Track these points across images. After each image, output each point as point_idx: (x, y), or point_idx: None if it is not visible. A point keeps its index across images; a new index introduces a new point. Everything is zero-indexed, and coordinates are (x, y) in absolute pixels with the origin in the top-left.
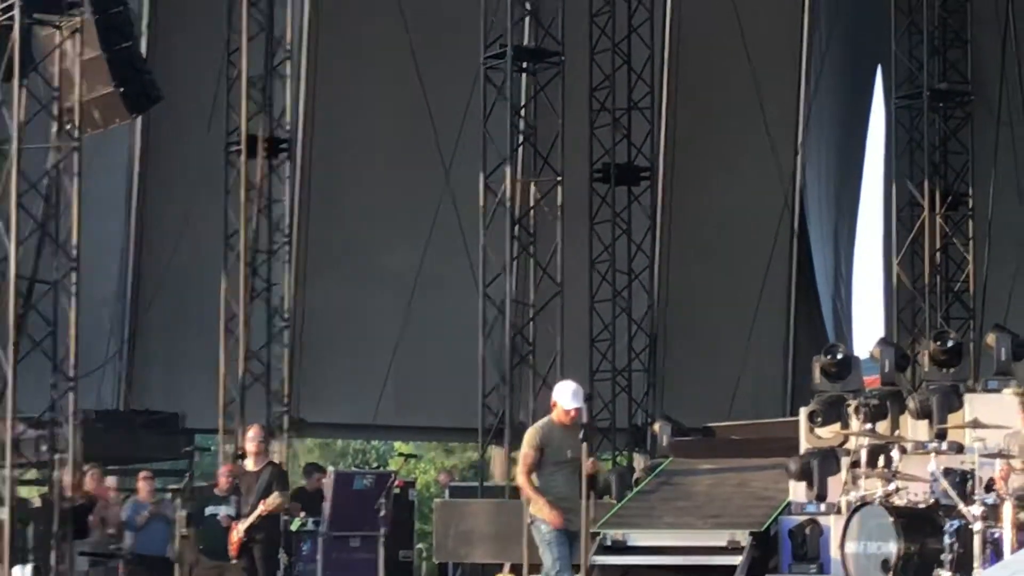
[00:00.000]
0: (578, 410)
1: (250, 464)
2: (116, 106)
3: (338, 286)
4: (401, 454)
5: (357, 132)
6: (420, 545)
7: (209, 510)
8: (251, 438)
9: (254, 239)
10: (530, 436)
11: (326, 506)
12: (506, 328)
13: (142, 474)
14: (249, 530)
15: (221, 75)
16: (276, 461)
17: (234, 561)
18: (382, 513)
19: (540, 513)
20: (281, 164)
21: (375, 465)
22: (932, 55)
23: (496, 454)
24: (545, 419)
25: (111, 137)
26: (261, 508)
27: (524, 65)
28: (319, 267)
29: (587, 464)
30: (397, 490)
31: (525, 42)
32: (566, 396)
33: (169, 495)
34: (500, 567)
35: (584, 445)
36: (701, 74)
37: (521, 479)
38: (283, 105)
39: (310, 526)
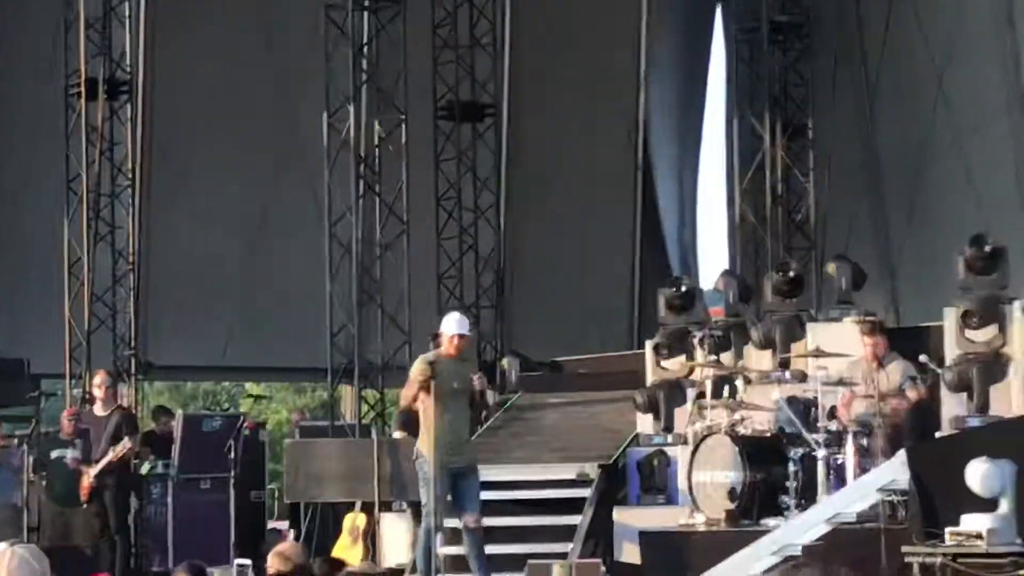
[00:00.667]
0: (462, 336)
1: (99, 409)
2: None
3: (182, 228)
4: (251, 395)
5: (198, 74)
6: (272, 485)
7: (55, 454)
8: (98, 383)
9: (96, 182)
10: (417, 364)
11: (175, 449)
12: (353, 267)
13: None
14: (100, 475)
15: (58, 18)
16: (125, 405)
17: (85, 506)
18: (232, 455)
19: (423, 447)
20: (122, 107)
21: (226, 407)
22: None
23: (346, 393)
24: (432, 352)
25: None
26: (111, 454)
27: (365, 4)
28: (162, 209)
29: (475, 380)
30: (247, 431)
31: None
32: (450, 323)
33: (15, 441)
34: (352, 506)
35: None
36: (543, 10)
37: (403, 404)
38: (123, 47)
39: (160, 469)
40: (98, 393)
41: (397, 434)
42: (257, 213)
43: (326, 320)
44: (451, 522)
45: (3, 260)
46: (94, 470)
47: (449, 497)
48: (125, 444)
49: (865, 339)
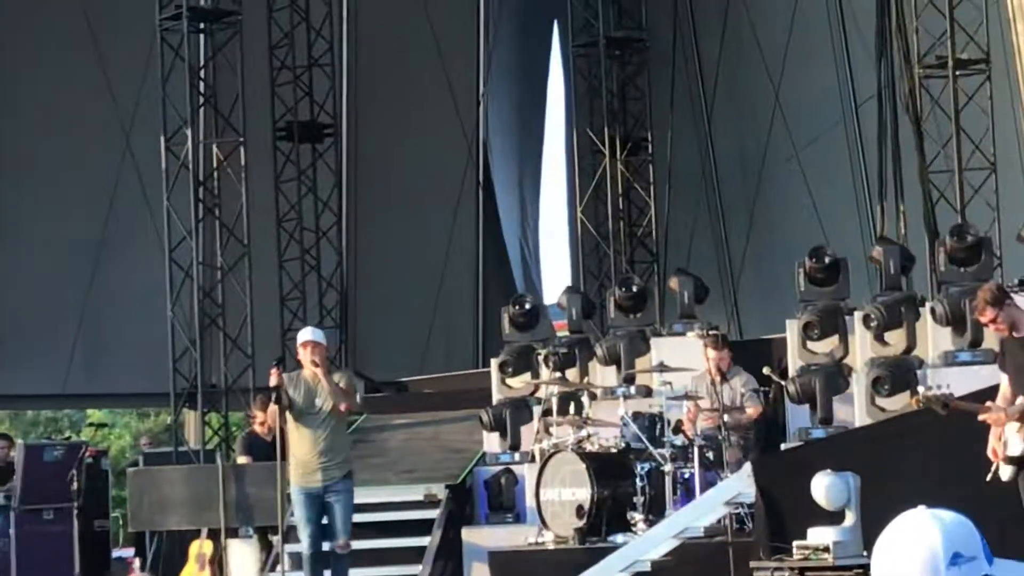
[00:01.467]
0: (312, 344)
1: None
2: None
3: (18, 256)
4: (92, 423)
5: (31, 98)
6: (116, 513)
7: None
8: None
9: None
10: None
11: (16, 479)
12: (194, 291)
13: None
14: None
15: None
16: None
17: None
18: (75, 484)
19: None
20: None
21: (67, 434)
22: (606, 4)
23: (189, 418)
24: (295, 372)
25: None
26: None
27: (201, 25)
28: (1, 236)
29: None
30: (89, 459)
31: (201, 2)
32: (303, 333)
33: None
34: (198, 533)
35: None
36: (381, 28)
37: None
38: None
39: (1, 500)
40: None
41: (241, 459)
42: (96, 238)
43: (168, 345)
44: (293, 547)
45: None
46: None
47: (324, 520)
48: None
49: (710, 352)
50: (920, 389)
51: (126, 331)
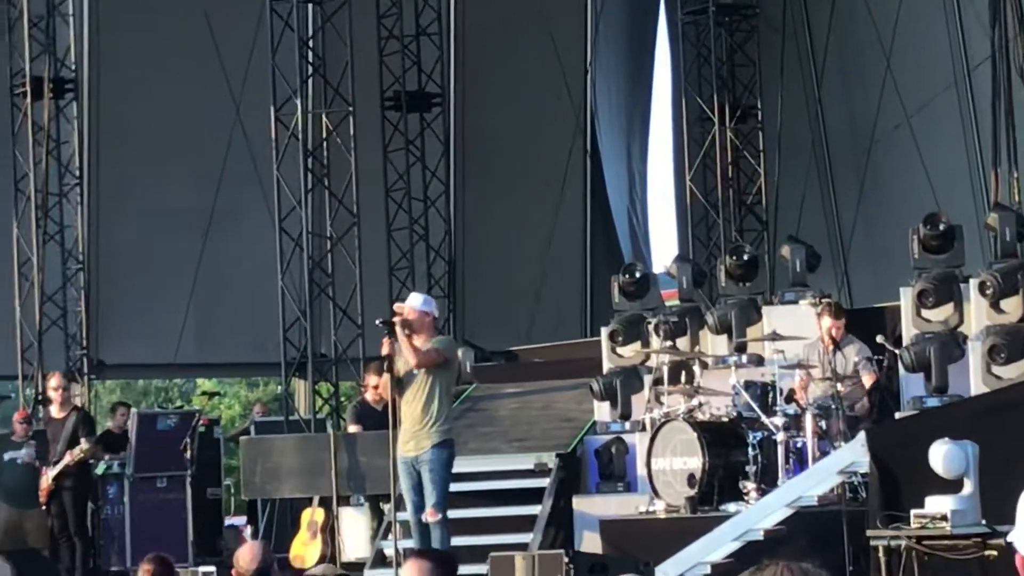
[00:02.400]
0: (426, 314)
1: (55, 411)
2: None
3: (132, 225)
4: (204, 392)
5: (144, 69)
6: (228, 481)
7: (8, 456)
8: (54, 386)
9: (44, 182)
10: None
11: (131, 448)
12: (304, 261)
13: None
14: (58, 477)
15: (1, 17)
16: (79, 405)
17: (40, 508)
18: (188, 453)
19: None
20: (68, 105)
21: (178, 403)
22: None
23: (299, 387)
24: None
25: None
26: (67, 458)
27: None
28: (112, 207)
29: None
30: (202, 428)
31: None
32: (413, 300)
33: None
34: (309, 501)
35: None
36: None
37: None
38: (67, 45)
39: (116, 469)
40: (54, 396)
41: (352, 428)
42: (207, 208)
43: (278, 314)
44: (402, 515)
45: None
46: (52, 472)
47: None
48: (82, 448)
49: (825, 321)
50: None
51: (236, 301)
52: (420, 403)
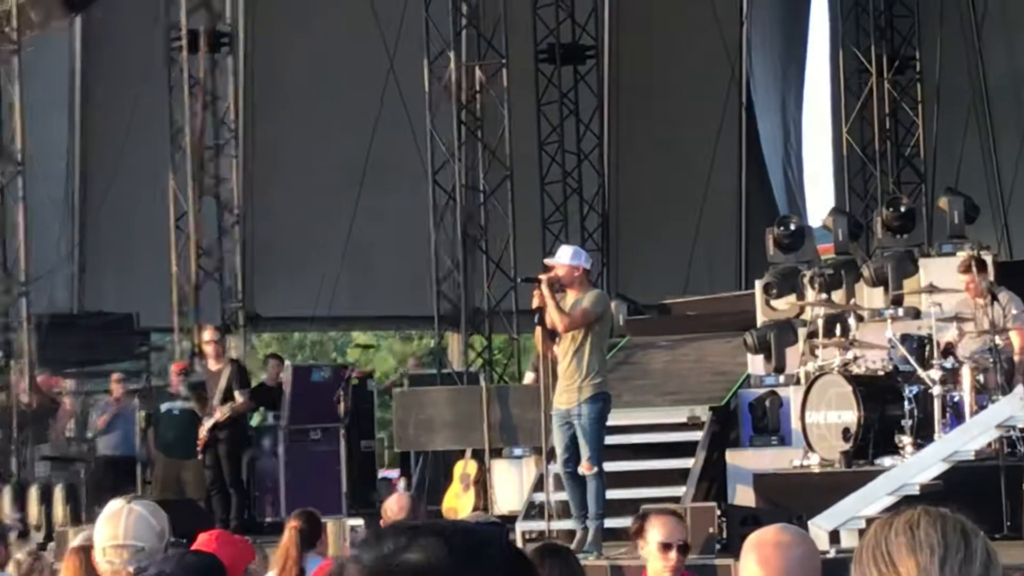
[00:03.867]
0: (574, 268)
1: (211, 364)
2: (54, 6)
3: (286, 179)
4: (358, 345)
5: (297, 24)
6: (381, 434)
7: (165, 407)
8: (208, 339)
9: (200, 136)
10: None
11: (285, 401)
12: (457, 214)
13: (114, 376)
14: (213, 428)
15: None
16: (236, 359)
17: (198, 458)
18: (341, 405)
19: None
20: (224, 59)
21: (333, 357)
22: None
23: (453, 340)
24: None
25: (51, 39)
26: (218, 414)
27: None
28: (266, 161)
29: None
30: (355, 381)
31: None
32: (561, 254)
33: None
34: (462, 453)
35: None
36: None
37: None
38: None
39: (270, 421)
40: (208, 349)
41: (530, 376)
42: (360, 162)
43: (431, 267)
44: (554, 468)
45: (110, 215)
46: (208, 423)
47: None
48: (237, 401)
49: (961, 277)
50: None
51: (390, 254)
52: (574, 356)
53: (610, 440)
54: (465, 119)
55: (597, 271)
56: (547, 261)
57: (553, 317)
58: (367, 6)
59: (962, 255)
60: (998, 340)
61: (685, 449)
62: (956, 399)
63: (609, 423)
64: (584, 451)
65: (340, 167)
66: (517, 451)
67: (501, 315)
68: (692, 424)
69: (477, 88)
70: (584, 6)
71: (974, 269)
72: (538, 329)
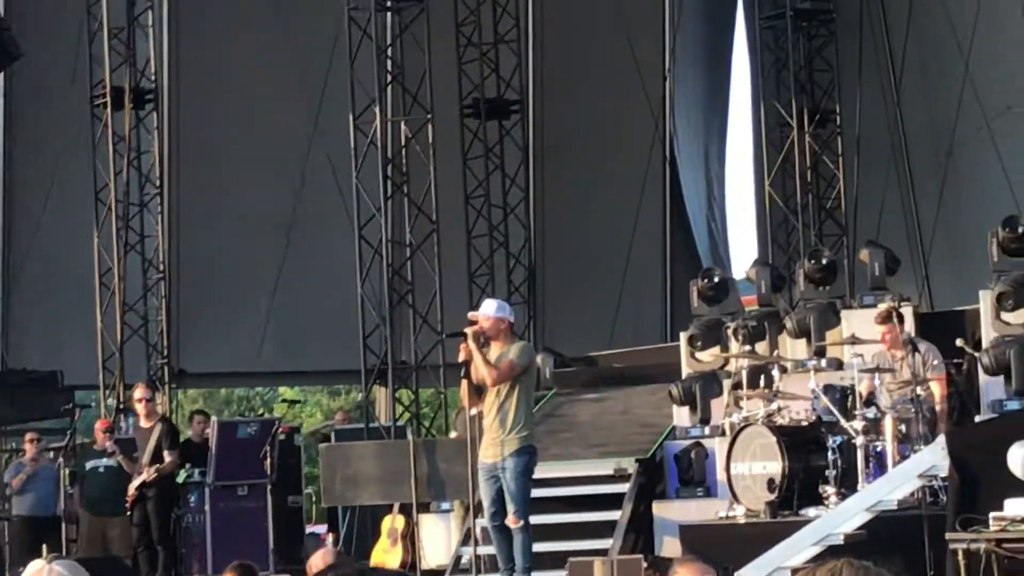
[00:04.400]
0: (499, 320)
1: (142, 421)
2: None
3: (212, 234)
4: (284, 400)
5: (223, 79)
6: (309, 489)
7: (90, 465)
8: (137, 397)
9: (125, 192)
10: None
11: (211, 457)
12: (383, 268)
13: (28, 435)
14: (141, 486)
15: (82, 28)
16: (166, 417)
17: (124, 515)
18: (268, 460)
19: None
20: (148, 115)
21: (260, 412)
22: None
23: (380, 394)
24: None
25: None
26: (145, 475)
27: (388, 4)
28: (192, 216)
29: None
30: (282, 436)
31: None
32: (486, 307)
33: (51, 454)
34: (390, 508)
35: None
36: (566, 4)
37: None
38: (147, 55)
39: (196, 477)
40: (139, 407)
41: (453, 434)
42: (287, 217)
43: (358, 322)
44: (481, 521)
45: (34, 272)
46: (137, 481)
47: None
48: (166, 462)
49: (877, 328)
50: None
51: (317, 309)
52: (499, 410)
53: (537, 493)
54: (391, 174)
55: (524, 324)
56: (471, 314)
57: (480, 370)
58: (293, 61)
59: (882, 307)
60: (919, 390)
61: (612, 501)
62: (879, 449)
63: (536, 476)
64: (510, 504)
65: (266, 222)
66: (445, 505)
67: (428, 369)
68: (619, 476)
69: (403, 143)
70: (509, 61)
71: (894, 320)
72: (464, 382)
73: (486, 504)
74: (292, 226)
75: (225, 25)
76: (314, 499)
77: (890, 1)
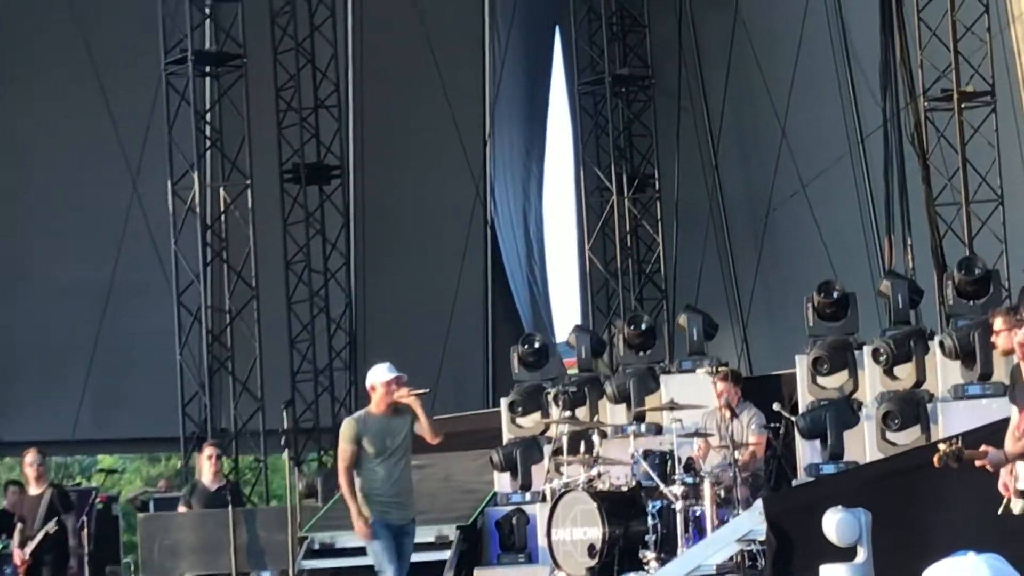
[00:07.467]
0: (398, 378)
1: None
2: None
3: (28, 302)
4: (102, 469)
5: (37, 144)
6: (127, 559)
7: None
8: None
9: None
10: (345, 429)
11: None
12: (203, 335)
13: None
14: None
15: None
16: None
17: None
18: (85, 530)
19: (353, 519)
20: None
21: (77, 480)
22: (612, 41)
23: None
24: (361, 411)
25: None
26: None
27: (207, 69)
28: (6, 280)
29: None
30: (100, 505)
31: (207, 46)
32: (380, 372)
33: None
34: None
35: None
36: (386, 69)
37: (341, 478)
38: None
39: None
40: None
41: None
42: (105, 283)
43: (177, 389)
44: None
45: None
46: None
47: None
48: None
49: (718, 385)
50: (937, 450)
51: (135, 376)
52: (401, 474)
53: (361, 561)
54: (210, 240)
55: (345, 391)
56: (391, 376)
57: (435, 433)
58: (109, 125)
59: (701, 372)
60: (738, 455)
61: (434, 569)
62: (698, 513)
63: (359, 544)
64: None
65: (84, 287)
66: (265, 574)
67: (248, 436)
68: (440, 543)
69: (222, 208)
70: (329, 126)
71: (730, 379)
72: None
73: (394, 567)
74: (110, 292)
75: (39, 85)
76: (132, 569)
77: (708, 66)
